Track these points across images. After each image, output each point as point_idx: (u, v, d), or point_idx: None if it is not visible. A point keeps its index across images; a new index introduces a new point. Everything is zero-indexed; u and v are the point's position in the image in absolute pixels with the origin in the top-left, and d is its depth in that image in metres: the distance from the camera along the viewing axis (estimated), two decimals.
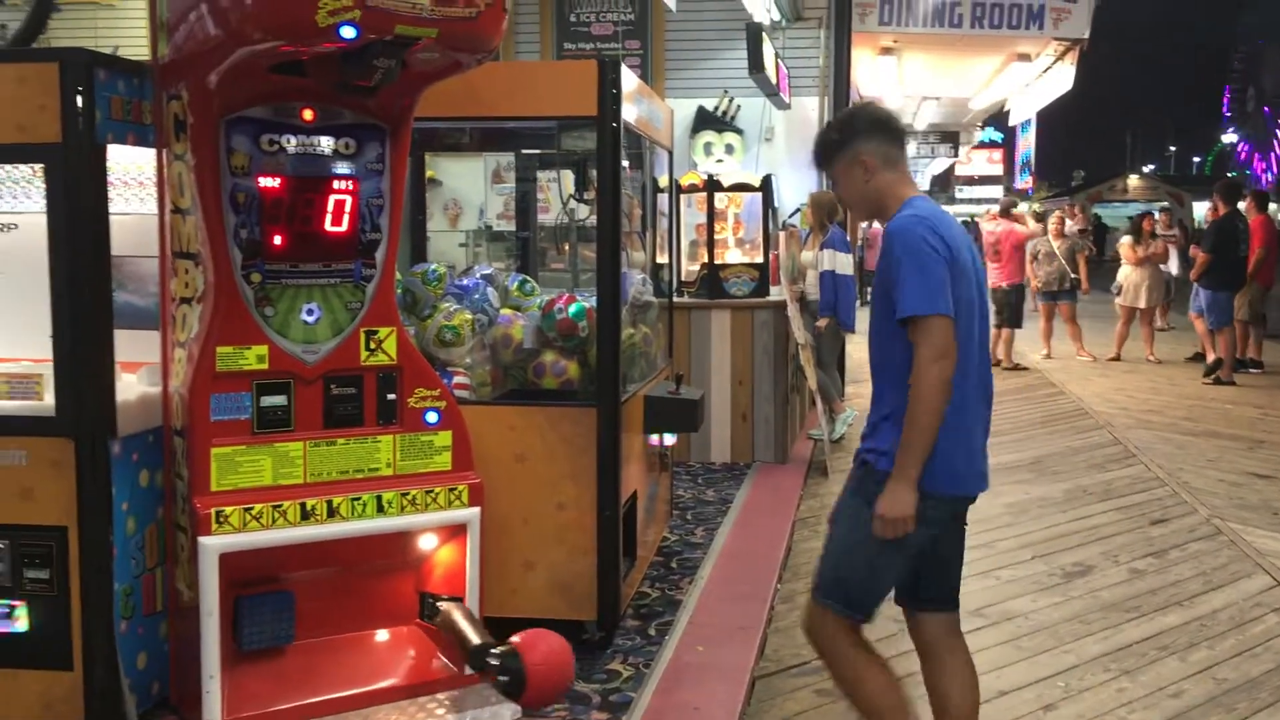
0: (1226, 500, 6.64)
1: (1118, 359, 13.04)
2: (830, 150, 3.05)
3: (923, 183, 28.53)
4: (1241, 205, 11.94)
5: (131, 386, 3.57)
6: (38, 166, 3.41)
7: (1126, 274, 13.24)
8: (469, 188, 8.66)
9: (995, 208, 14.97)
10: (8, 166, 3.79)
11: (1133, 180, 47.59)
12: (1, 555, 3.28)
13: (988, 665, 4.19)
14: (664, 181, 5.97)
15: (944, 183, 57.30)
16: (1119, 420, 9.28)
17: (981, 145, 38.30)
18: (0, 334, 3.76)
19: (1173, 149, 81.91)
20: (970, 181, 48.92)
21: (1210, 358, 11.70)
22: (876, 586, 2.92)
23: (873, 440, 2.91)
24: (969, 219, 41.70)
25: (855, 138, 2.99)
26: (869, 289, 21.72)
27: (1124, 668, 4.19)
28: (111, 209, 3.41)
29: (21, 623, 3.29)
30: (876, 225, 24.75)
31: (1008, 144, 45.89)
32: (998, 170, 46.68)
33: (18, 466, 3.28)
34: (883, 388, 2.93)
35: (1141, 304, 13.14)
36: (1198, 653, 4.34)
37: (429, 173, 7.28)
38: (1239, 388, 11.10)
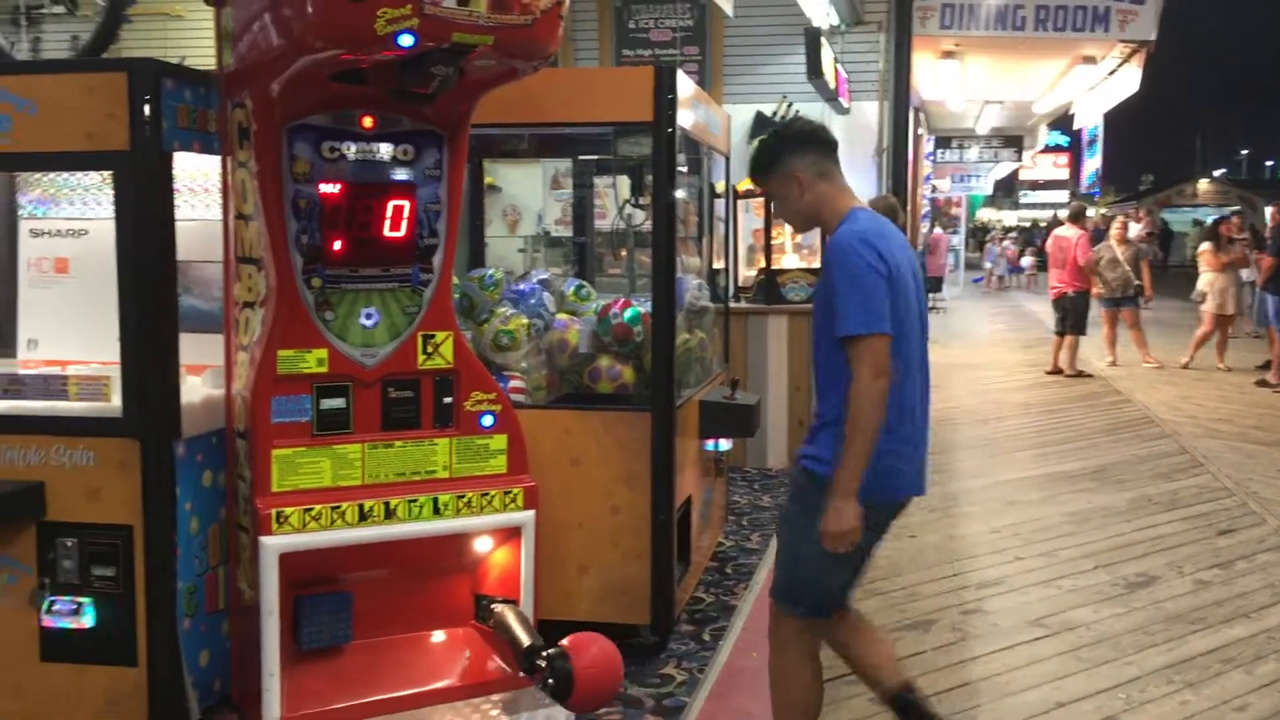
0: None
1: (1188, 366, 12.78)
2: (762, 172, 3.10)
3: (985, 187, 28.24)
4: None
5: (196, 389, 3.65)
6: (106, 174, 3.49)
7: (1210, 280, 12.91)
8: (528, 194, 8.73)
9: (1064, 213, 14.72)
10: (78, 174, 3.90)
11: (1203, 184, 46.68)
12: (70, 553, 3.36)
13: (1046, 676, 4.13)
14: (721, 187, 5.97)
15: (1008, 187, 56.63)
16: (1186, 429, 9.09)
17: (1047, 149, 37.73)
18: (72, 337, 3.87)
19: (1244, 152, 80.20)
20: (1035, 186, 48.24)
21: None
22: (830, 587, 3.02)
23: (813, 447, 2.98)
24: (1031, 224, 41.14)
25: (784, 155, 3.03)
26: (930, 295, 21.51)
27: (1187, 680, 4.10)
28: (178, 215, 3.49)
29: (88, 619, 3.37)
30: (939, 230, 24.52)
31: (1074, 148, 45.09)
32: (1064, 175, 45.94)
33: (86, 467, 3.36)
34: (823, 396, 2.99)
35: (1229, 310, 12.88)
36: (1264, 665, 4.24)
37: (488, 179, 7.35)
38: None
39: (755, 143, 3.17)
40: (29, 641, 3.39)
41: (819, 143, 3.07)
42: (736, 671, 4.03)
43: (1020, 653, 4.36)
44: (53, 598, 3.37)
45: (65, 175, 3.94)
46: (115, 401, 3.40)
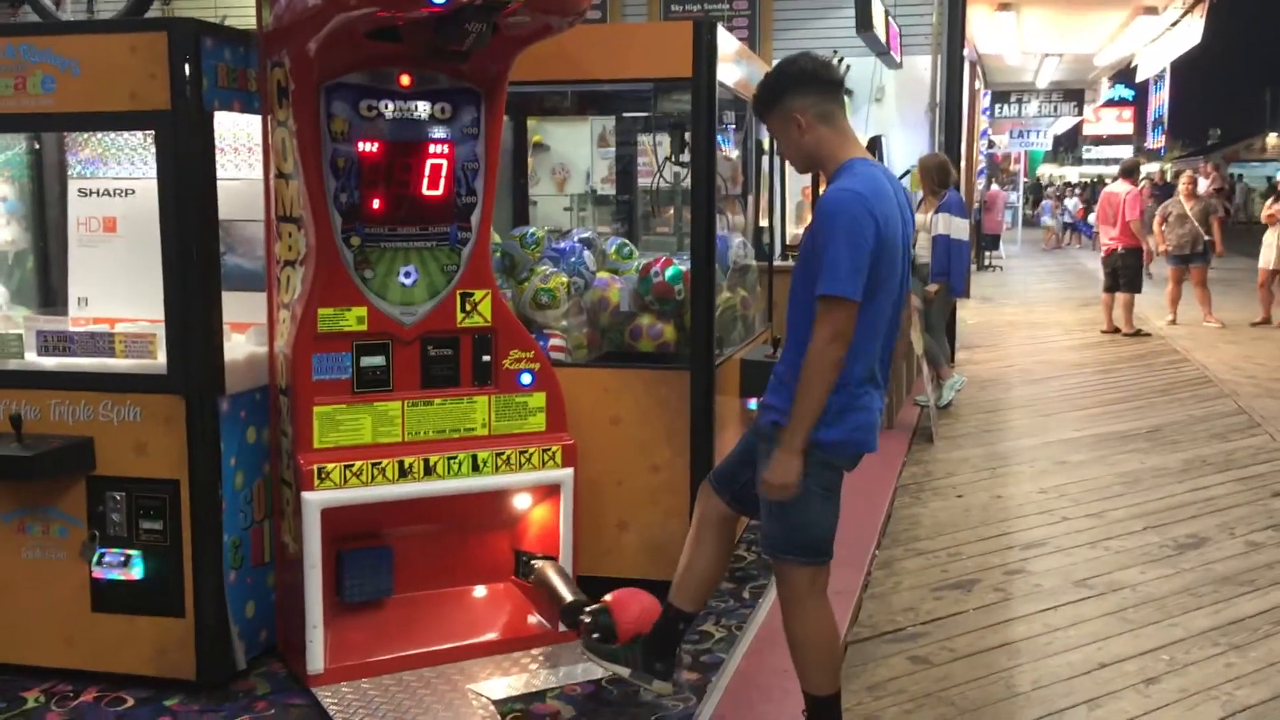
0: None
1: (1266, 321, 12.51)
2: (763, 108, 3.02)
3: (1044, 142, 27.69)
4: None
5: (240, 346, 3.71)
6: (149, 133, 3.53)
7: (1267, 236, 12.67)
8: (575, 152, 8.71)
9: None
10: (125, 133, 3.95)
11: (1272, 139, 45.40)
12: (118, 506, 3.44)
13: (1090, 637, 4.10)
14: (768, 144, 5.91)
15: (1070, 142, 55.49)
16: (1245, 389, 8.91)
17: (1110, 103, 36.85)
18: (121, 295, 3.93)
19: None
20: (1099, 141, 47.25)
21: None
22: (825, 529, 3.03)
23: (777, 397, 2.99)
24: (1095, 179, 40.27)
25: (786, 93, 2.95)
26: (986, 252, 21.10)
27: (1233, 642, 4.05)
28: (220, 174, 3.52)
29: (137, 571, 3.45)
30: (995, 187, 24.11)
31: (1139, 101, 44.02)
32: (1128, 129, 44.86)
33: (133, 422, 3.43)
34: (794, 345, 2.97)
35: (1272, 265, 12.59)
36: None
37: (535, 137, 7.34)
38: None
39: (843, 66, 3.12)
40: (80, 592, 3.48)
41: (821, 82, 2.97)
42: (775, 629, 4.00)
43: (1064, 613, 4.33)
44: (102, 550, 3.46)
45: (113, 135, 3.99)
46: (161, 359, 3.46)
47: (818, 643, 3.07)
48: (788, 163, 3.20)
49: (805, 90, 2.94)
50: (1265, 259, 12.68)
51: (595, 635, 3.38)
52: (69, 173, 4.10)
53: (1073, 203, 30.00)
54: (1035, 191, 40.99)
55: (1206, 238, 12.61)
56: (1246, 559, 4.95)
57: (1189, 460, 6.72)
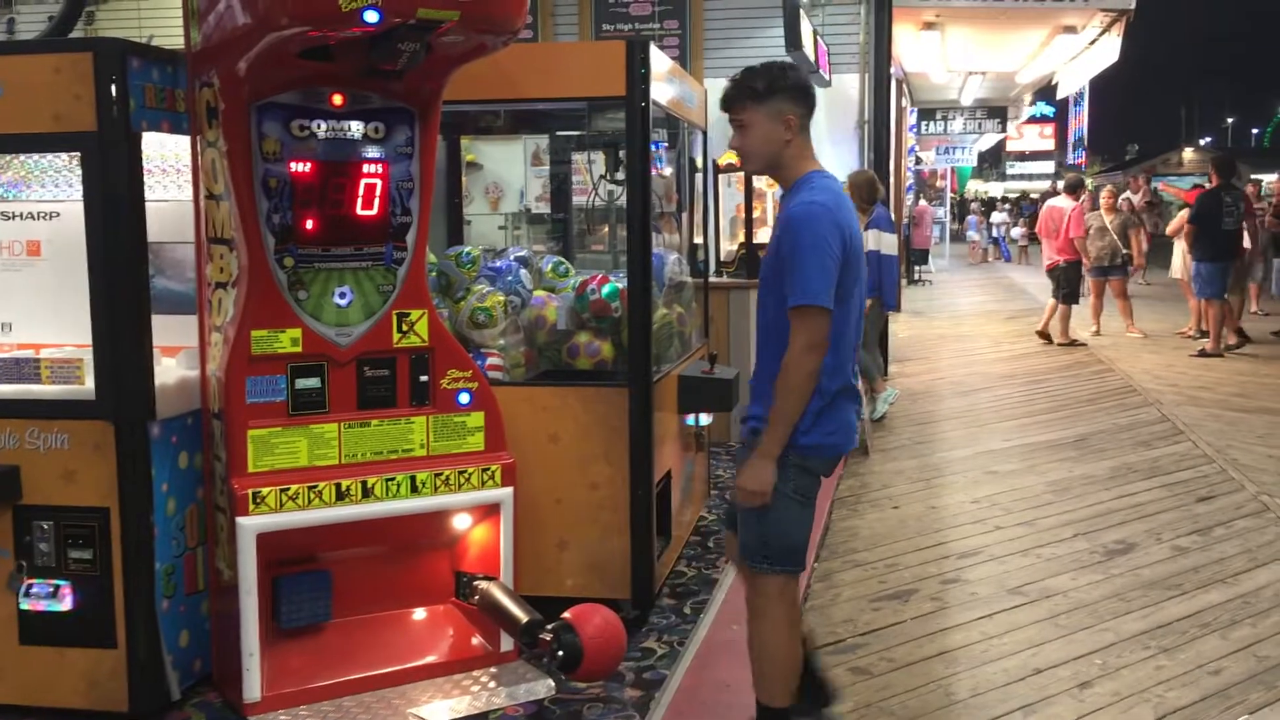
0: (1276, 476, 6.53)
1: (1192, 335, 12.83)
2: (753, 99, 3.02)
3: (969, 159, 28.22)
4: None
5: (171, 370, 3.64)
6: (75, 155, 3.46)
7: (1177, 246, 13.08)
8: (509, 171, 8.70)
9: (1061, 184, 14.77)
10: (49, 155, 3.87)
11: (1188, 153, 46.72)
12: (46, 536, 3.36)
13: (1024, 643, 4.17)
14: (701, 162, 5.95)
15: (994, 159, 56.56)
16: (1168, 397, 9.14)
17: (1032, 120, 37.64)
18: (46, 320, 3.84)
19: (1230, 120, 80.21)
20: (1022, 157, 48.28)
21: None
22: (800, 539, 3.08)
23: (759, 407, 3.05)
24: (1020, 195, 41.10)
25: (781, 95, 3.01)
26: (915, 267, 21.46)
27: (1163, 645, 4.14)
28: (149, 196, 3.47)
29: (66, 602, 3.37)
30: (923, 203, 24.49)
31: (1060, 118, 45.03)
32: (1049, 145, 45.84)
33: (61, 449, 3.35)
34: (770, 357, 3.03)
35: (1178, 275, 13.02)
36: (1240, 630, 4.28)
37: (469, 156, 7.33)
38: None
39: (735, 75, 3.14)
40: (8, 625, 3.40)
41: (809, 98, 3.08)
42: (717, 644, 4.05)
43: (999, 621, 4.40)
44: (30, 581, 3.37)
45: (36, 157, 3.90)
46: (89, 384, 3.39)
47: (782, 653, 3.10)
48: (740, 162, 3.22)
49: (798, 99, 3.03)
50: (1176, 268, 13.08)
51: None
52: None
53: (1000, 217, 30.41)
54: (963, 207, 41.75)
55: (1125, 250, 12.93)
56: (1173, 563, 5.07)
57: (1116, 468, 6.87)
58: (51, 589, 3.37)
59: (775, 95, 3.01)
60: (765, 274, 3.07)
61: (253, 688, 3.39)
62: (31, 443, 3.36)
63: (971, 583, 4.84)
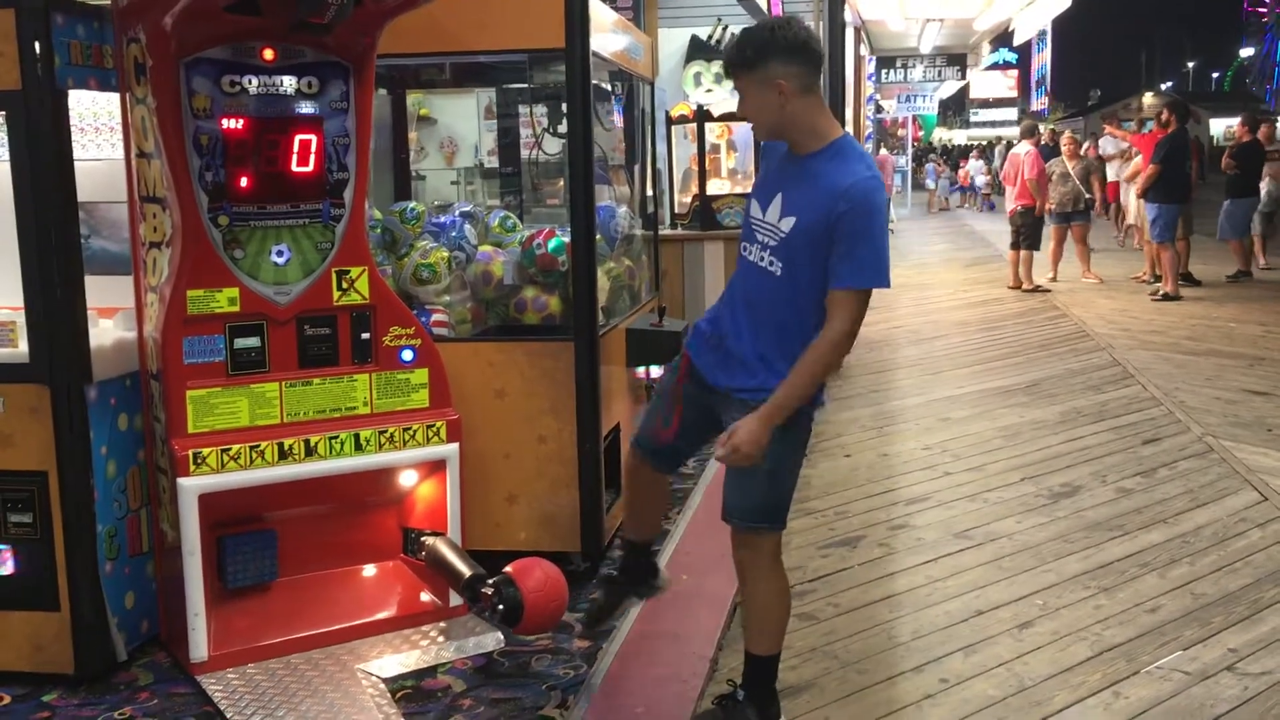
0: (1221, 418, 6.64)
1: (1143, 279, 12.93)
2: (744, 67, 2.88)
3: (930, 107, 28.24)
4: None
5: (107, 332, 3.61)
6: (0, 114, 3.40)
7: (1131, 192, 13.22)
8: (463, 125, 8.60)
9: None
10: None
11: (1148, 98, 46.89)
12: None
13: (967, 586, 4.24)
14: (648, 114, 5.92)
15: (958, 106, 56.59)
16: (1120, 341, 9.25)
17: (995, 67, 37.67)
18: None
19: (1191, 64, 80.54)
20: (985, 104, 48.30)
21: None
22: (790, 496, 3.11)
23: (764, 377, 2.91)
24: (988, 143, 41.14)
25: (771, 59, 2.82)
26: None
27: (1102, 585, 4.22)
28: (80, 155, 3.42)
29: (7, 566, 3.36)
30: (884, 152, 24.52)
31: (1022, 65, 45.02)
32: (1012, 92, 45.91)
33: None
34: (777, 328, 2.91)
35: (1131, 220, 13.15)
36: (1178, 569, 4.37)
37: (422, 110, 7.24)
38: (1242, 304, 11.10)
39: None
40: None
41: (808, 54, 2.85)
42: (667, 595, 4.07)
43: (943, 564, 4.46)
44: None
45: None
46: (23, 347, 3.35)
47: (780, 606, 3.12)
48: (751, 129, 3.16)
49: (791, 58, 2.82)
50: (1133, 214, 13.22)
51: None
52: None
53: (976, 165, 29.64)
54: (925, 156, 41.76)
55: (1088, 196, 13.04)
56: (1116, 505, 5.16)
57: (1065, 412, 6.96)
58: None
59: (764, 60, 2.82)
60: (796, 239, 2.85)
61: (199, 647, 3.40)
62: None
63: (919, 528, 4.90)
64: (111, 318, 3.70)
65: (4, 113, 3.28)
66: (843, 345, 2.84)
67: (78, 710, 3.28)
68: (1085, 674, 3.52)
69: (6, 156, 3.35)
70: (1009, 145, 26.38)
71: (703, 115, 7.56)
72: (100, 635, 3.41)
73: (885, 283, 2.82)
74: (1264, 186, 13.08)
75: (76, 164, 3.34)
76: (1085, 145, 15.36)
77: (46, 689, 3.37)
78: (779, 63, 2.82)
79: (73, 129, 3.36)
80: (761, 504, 3.02)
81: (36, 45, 3.18)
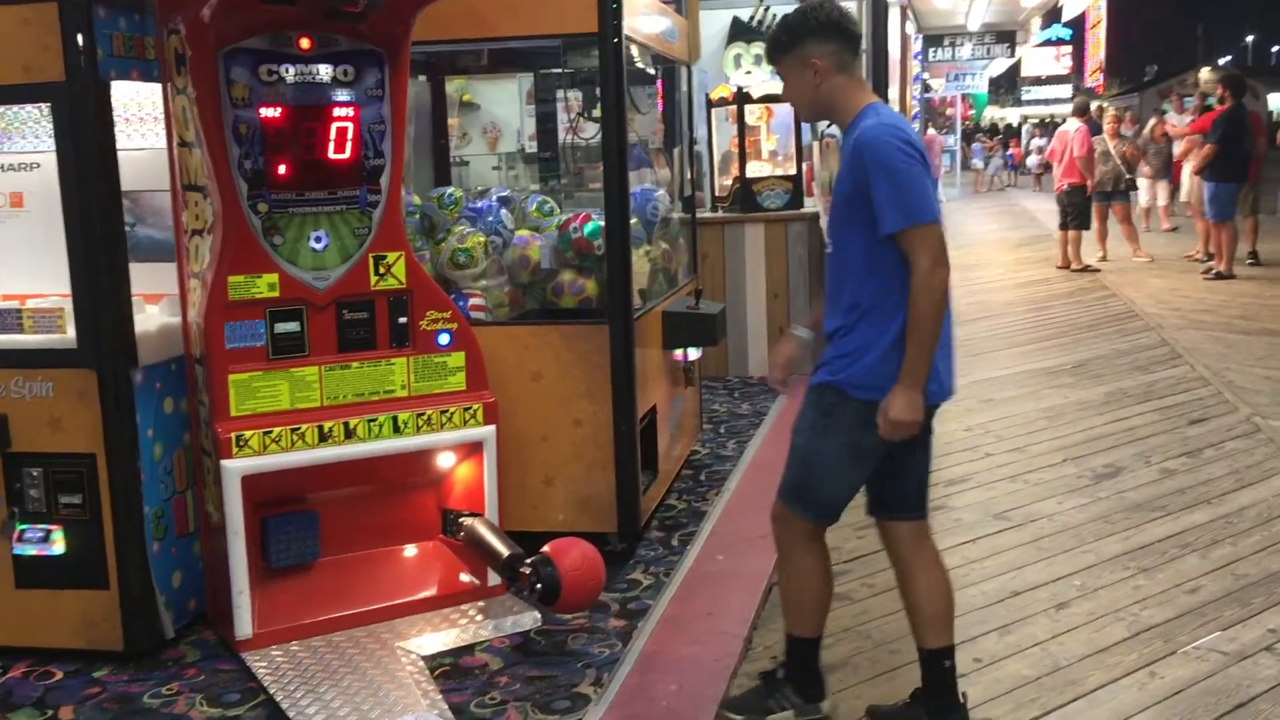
0: (1270, 398, 6.54)
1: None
2: (779, 50, 2.95)
3: (980, 85, 27.84)
4: None
5: (153, 317, 3.70)
6: (45, 106, 3.49)
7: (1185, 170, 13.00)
8: (507, 111, 8.66)
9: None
10: (28, 107, 3.89)
11: (1204, 73, 45.92)
12: (35, 482, 3.44)
13: (1005, 566, 4.23)
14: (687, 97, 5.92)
15: (1009, 83, 55.74)
16: (1170, 321, 9.12)
17: (1048, 43, 36.93)
18: (31, 271, 3.89)
19: (1250, 38, 78.63)
20: (1037, 81, 47.54)
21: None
22: (839, 494, 2.98)
23: (837, 350, 2.90)
24: (1041, 121, 40.43)
25: (806, 39, 2.88)
26: None
27: (1142, 565, 4.19)
28: (125, 145, 3.49)
29: (59, 545, 3.46)
30: (932, 131, 24.25)
31: (1076, 41, 44.21)
32: (1065, 69, 45.02)
33: (45, 398, 3.42)
34: (840, 303, 2.89)
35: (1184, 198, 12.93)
36: (1220, 549, 4.33)
37: (465, 96, 7.30)
38: None
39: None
40: (3, 570, 3.49)
41: (843, 32, 2.90)
42: (702, 575, 4.12)
43: (981, 545, 4.45)
44: (23, 526, 3.46)
45: (16, 108, 3.93)
46: (70, 333, 3.44)
47: (811, 590, 3.07)
48: (793, 111, 3.14)
49: (825, 37, 2.88)
50: (1183, 191, 13.01)
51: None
52: None
53: (1038, 143, 28.81)
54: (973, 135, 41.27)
55: (1129, 176, 12.85)
56: (1159, 485, 5.11)
57: (1111, 393, 6.88)
58: (44, 533, 3.45)
59: (799, 42, 2.89)
60: (837, 213, 2.90)
61: (244, 624, 3.48)
62: (17, 391, 3.43)
63: (957, 509, 4.89)
64: (157, 303, 3.79)
65: (49, 104, 3.36)
66: (931, 282, 2.70)
67: (126, 686, 3.37)
68: (1121, 654, 3.51)
69: (53, 147, 3.44)
70: (1055, 124, 25.97)
71: (742, 97, 7.55)
72: (148, 613, 3.51)
73: (921, 218, 2.70)
74: None
75: (120, 153, 3.42)
76: (1152, 122, 15.08)
77: (97, 665, 3.47)
78: (813, 43, 2.88)
79: (116, 119, 3.43)
80: (792, 481, 3.03)
81: (79, 38, 3.26)
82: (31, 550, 3.45)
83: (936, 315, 2.74)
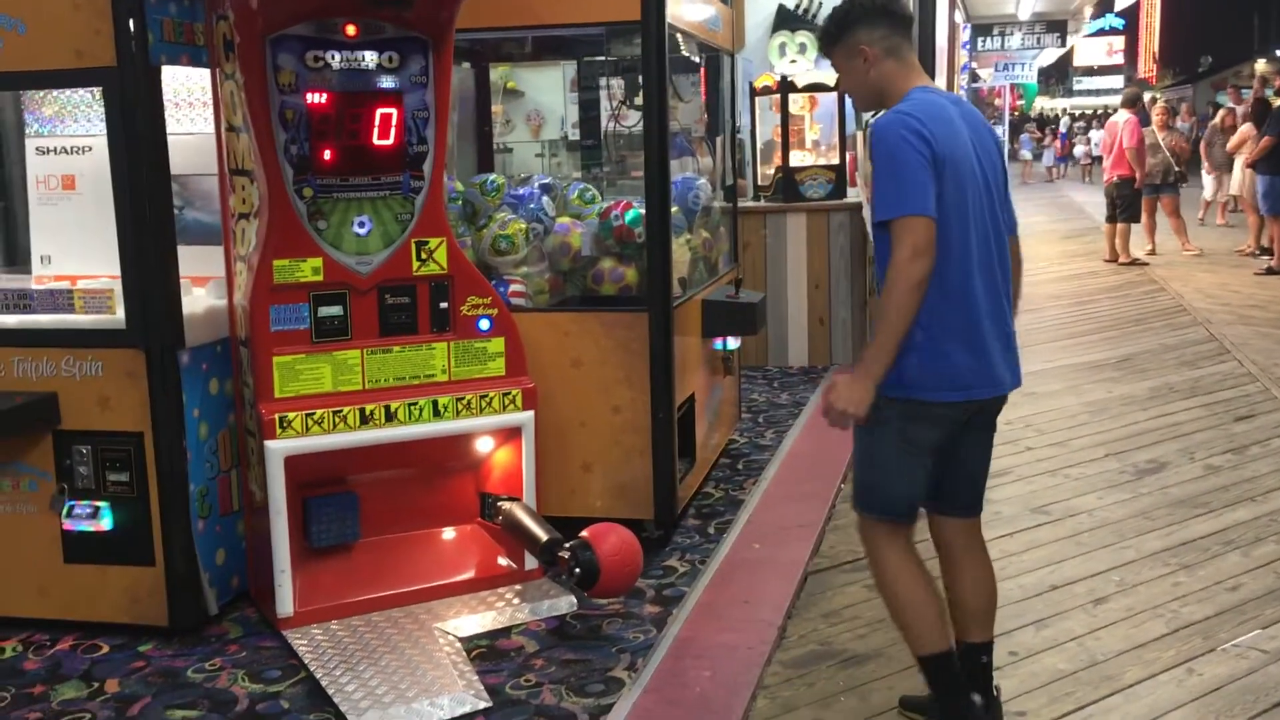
0: None
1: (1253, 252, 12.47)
2: (829, 42, 2.93)
3: (1029, 75, 27.50)
4: None
5: (200, 299, 3.76)
6: (97, 90, 3.55)
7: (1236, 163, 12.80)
8: (550, 98, 8.68)
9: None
10: (80, 91, 3.97)
11: (1261, 65, 45.08)
12: (84, 459, 3.52)
13: (1042, 561, 4.20)
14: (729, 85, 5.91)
15: (1060, 73, 55.05)
16: (1218, 316, 8.99)
17: (1101, 33, 36.46)
18: (82, 252, 3.97)
19: None
20: (1090, 72, 46.80)
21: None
22: (905, 489, 2.87)
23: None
24: (1094, 111, 39.84)
25: (855, 26, 2.85)
26: None
27: (1183, 562, 4.15)
28: (174, 129, 3.55)
29: (106, 522, 3.53)
30: None
31: (1129, 31, 43.54)
32: (1118, 59, 44.38)
33: (95, 377, 3.49)
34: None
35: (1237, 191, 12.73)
36: (1263, 547, 4.27)
37: (509, 84, 7.33)
38: None
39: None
40: (52, 545, 3.57)
41: (891, 16, 2.85)
42: (737, 562, 4.13)
43: (1019, 539, 4.43)
44: (71, 502, 3.53)
45: (69, 92, 4.01)
46: (120, 314, 3.51)
47: (910, 597, 2.90)
48: (849, 100, 3.07)
49: (874, 23, 2.84)
50: (1235, 184, 12.79)
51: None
52: (28, 131, 4.12)
53: (1098, 135, 28.46)
54: (1018, 126, 40.80)
55: (1177, 168, 12.67)
56: (1203, 482, 5.05)
57: (1156, 388, 6.81)
58: (92, 509, 3.52)
59: (848, 31, 2.86)
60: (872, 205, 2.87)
61: (285, 602, 3.54)
62: (68, 370, 3.50)
63: (996, 502, 4.86)
64: (204, 286, 3.85)
65: (101, 89, 3.42)
66: (904, 272, 2.61)
67: (171, 660, 3.44)
68: (1159, 650, 3.48)
69: (104, 131, 3.50)
70: (1104, 116, 25.57)
71: (786, 86, 7.52)
72: (193, 590, 3.57)
73: (898, 211, 2.62)
74: None
75: (170, 138, 3.48)
76: (1221, 112, 14.87)
77: (142, 640, 3.55)
78: (863, 29, 2.84)
79: (166, 104, 3.49)
80: (858, 484, 2.96)
81: (131, 23, 3.32)
82: (81, 526, 3.52)
83: (905, 307, 2.63)
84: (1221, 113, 14.62)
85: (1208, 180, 14.88)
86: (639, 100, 4.36)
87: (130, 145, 3.37)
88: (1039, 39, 22.17)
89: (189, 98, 4.06)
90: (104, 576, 3.56)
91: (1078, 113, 38.38)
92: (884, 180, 2.68)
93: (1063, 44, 23.30)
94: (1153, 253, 12.84)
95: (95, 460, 3.52)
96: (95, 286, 3.61)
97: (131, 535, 3.53)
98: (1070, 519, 4.64)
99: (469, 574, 3.87)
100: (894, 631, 3.63)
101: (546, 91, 8.79)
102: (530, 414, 3.84)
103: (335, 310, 3.63)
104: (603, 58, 5.60)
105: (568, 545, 3.49)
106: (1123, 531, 4.48)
